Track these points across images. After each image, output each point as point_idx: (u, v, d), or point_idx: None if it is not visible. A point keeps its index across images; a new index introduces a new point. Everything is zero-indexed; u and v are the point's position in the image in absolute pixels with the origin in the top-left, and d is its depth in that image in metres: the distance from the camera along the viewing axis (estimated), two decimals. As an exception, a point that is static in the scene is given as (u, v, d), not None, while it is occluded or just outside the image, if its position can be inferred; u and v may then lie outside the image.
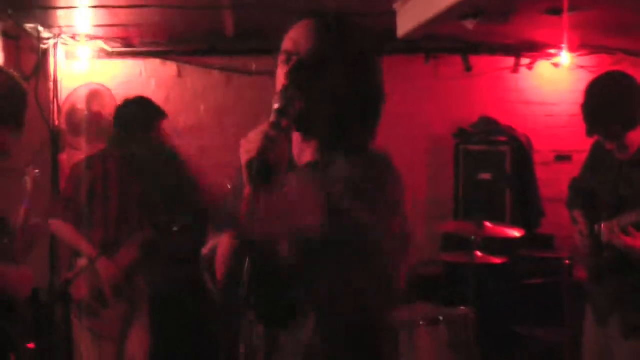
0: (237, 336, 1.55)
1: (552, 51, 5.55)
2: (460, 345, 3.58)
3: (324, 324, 1.48)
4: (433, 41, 5.40)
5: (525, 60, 5.71)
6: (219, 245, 1.57)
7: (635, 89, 2.81)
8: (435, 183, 5.62)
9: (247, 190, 1.33)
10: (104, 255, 3.52)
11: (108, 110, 4.79)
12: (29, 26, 4.81)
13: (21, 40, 4.93)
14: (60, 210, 3.58)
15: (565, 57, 5.43)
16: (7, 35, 4.73)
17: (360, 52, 1.60)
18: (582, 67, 5.58)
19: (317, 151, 1.59)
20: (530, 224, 5.05)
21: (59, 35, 5.06)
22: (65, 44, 5.15)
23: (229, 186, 1.67)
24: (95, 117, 4.95)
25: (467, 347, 3.60)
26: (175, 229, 3.79)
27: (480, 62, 5.66)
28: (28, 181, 3.00)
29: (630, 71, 2.98)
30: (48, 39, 5.05)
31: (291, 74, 1.53)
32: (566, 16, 4.13)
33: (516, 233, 4.05)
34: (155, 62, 5.40)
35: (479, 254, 4.01)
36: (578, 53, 5.55)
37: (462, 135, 5.50)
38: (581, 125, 2.86)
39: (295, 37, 1.58)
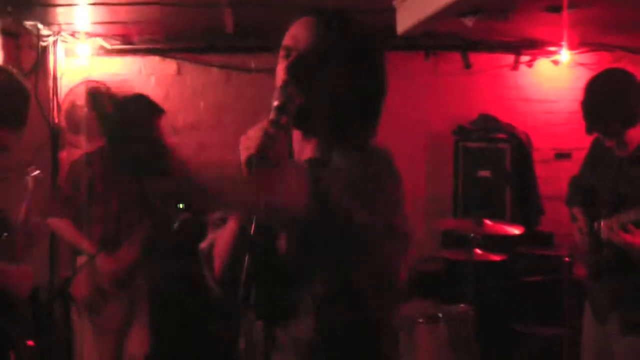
0: (237, 334, 1.55)
1: (552, 49, 5.55)
2: (460, 342, 3.58)
3: (324, 322, 1.48)
4: (433, 38, 5.39)
5: (524, 58, 5.70)
6: (217, 239, 1.58)
7: (635, 87, 2.81)
8: (435, 180, 5.61)
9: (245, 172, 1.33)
10: (103, 251, 3.53)
11: (108, 108, 4.79)
12: (28, 23, 4.80)
13: (21, 37, 4.94)
14: (58, 208, 3.58)
15: (564, 55, 5.42)
16: (6, 33, 4.73)
17: (360, 48, 1.60)
18: (581, 64, 5.57)
19: (317, 148, 1.59)
20: (530, 221, 5.05)
21: (58, 33, 5.05)
22: (65, 42, 5.14)
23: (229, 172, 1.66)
24: (94, 115, 4.95)
25: (466, 345, 3.60)
26: (175, 225, 3.79)
27: (479, 59, 5.65)
28: (29, 181, 3.01)
29: (629, 68, 2.97)
30: (47, 36, 5.04)
31: (290, 69, 1.53)
32: (566, 13, 4.13)
33: (515, 230, 4.05)
34: (155, 60, 5.40)
35: (478, 251, 4.01)
36: (577, 50, 5.54)
37: (462, 132, 5.49)
38: (581, 123, 2.86)
39: (295, 33, 1.58)
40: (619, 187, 2.87)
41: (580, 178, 3.18)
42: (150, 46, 5.34)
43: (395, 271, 1.40)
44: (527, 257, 4.89)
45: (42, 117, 4.94)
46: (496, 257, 4.10)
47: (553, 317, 4.37)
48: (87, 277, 3.54)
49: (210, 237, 1.63)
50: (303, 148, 1.61)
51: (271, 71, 1.62)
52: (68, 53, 5.21)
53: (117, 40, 5.28)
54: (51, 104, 5.10)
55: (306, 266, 1.43)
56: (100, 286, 3.54)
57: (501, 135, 5.31)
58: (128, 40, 5.31)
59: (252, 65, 5.41)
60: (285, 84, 1.49)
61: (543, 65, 5.72)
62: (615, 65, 4.93)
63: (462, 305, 3.74)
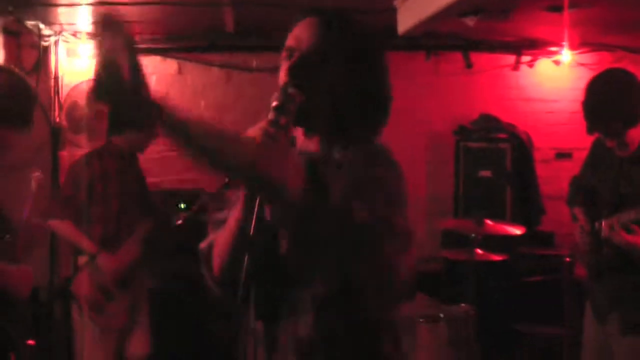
0: (237, 334, 1.55)
1: (553, 48, 5.55)
2: (460, 342, 3.58)
3: (324, 322, 1.48)
4: (434, 38, 5.39)
5: (525, 58, 5.70)
6: (217, 239, 1.58)
7: (636, 87, 2.81)
8: (436, 180, 5.62)
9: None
10: (104, 250, 3.53)
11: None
12: (30, 23, 4.81)
13: (22, 37, 4.93)
14: (59, 208, 3.58)
15: (565, 55, 5.42)
16: (8, 32, 4.73)
17: (362, 49, 1.61)
18: (582, 64, 5.57)
19: (319, 146, 1.60)
20: (531, 221, 5.04)
21: (59, 33, 5.06)
22: (66, 41, 5.15)
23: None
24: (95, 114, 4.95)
25: (467, 345, 3.60)
26: (177, 223, 3.78)
27: (480, 59, 5.65)
28: (33, 183, 3.01)
29: (630, 68, 2.97)
30: (49, 36, 5.04)
31: (292, 70, 1.54)
32: (567, 13, 4.12)
33: (516, 230, 4.05)
34: (156, 59, 5.39)
35: (479, 251, 4.01)
36: (578, 50, 5.54)
37: (463, 132, 5.49)
38: (582, 123, 2.86)
39: (297, 34, 1.59)
40: (620, 187, 2.87)
41: (581, 178, 3.18)
42: (151, 45, 5.33)
43: (395, 271, 1.40)
44: (527, 257, 4.90)
45: (43, 117, 4.95)
46: (497, 257, 4.10)
47: (554, 317, 4.36)
48: (89, 276, 3.54)
49: (210, 237, 1.63)
50: (305, 145, 1.62)
51: (272, 70, 1.62)
52: (69, 53, 5.21)
53: (117, 40, 5.28)
54: (52, 104, 5.11)
55: (306, 266, 1.44)
56: (103, 285, 3.54)
57: (502, 135, 5.31)
58: (129, 40, 5.31)
59: (253, 64, 5.41)
60: (286, 85, 1.50)
61: (544, 65, 5.72)
62: (616, 65, 4.93)
63: (462, 305, 3.74)
